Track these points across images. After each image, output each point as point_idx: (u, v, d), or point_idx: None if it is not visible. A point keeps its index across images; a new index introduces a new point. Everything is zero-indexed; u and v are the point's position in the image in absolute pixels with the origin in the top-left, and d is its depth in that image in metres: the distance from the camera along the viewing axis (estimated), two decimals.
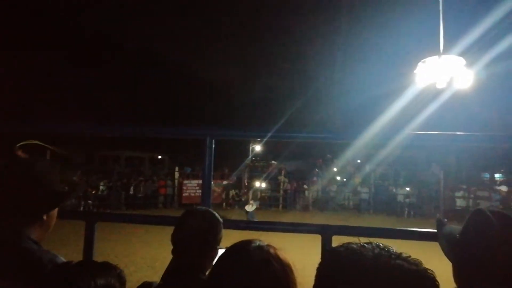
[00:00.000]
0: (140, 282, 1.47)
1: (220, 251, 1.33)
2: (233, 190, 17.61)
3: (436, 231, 1.46)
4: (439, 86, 5.48)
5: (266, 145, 23.17)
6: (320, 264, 0.77)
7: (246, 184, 14.93)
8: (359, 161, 20.11)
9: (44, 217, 1.28)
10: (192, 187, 17.50)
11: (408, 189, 17.08)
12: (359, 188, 18.20)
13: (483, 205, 14.21)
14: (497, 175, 17.40)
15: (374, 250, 0.70)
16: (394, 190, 17.66)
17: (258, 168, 21.97)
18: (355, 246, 0.73)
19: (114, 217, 2.50)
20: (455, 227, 1.25)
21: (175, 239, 1.47)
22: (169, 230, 1.52)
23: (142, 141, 17.56)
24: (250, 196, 12.06)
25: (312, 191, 18.61)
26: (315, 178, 19.22)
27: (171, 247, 1.47)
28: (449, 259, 1.14)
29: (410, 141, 1.82)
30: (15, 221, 1.21)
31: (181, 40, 17.16)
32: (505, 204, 13.61)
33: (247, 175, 17.99)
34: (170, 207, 17.03)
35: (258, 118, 19.71)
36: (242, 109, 20.88)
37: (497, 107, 13.02)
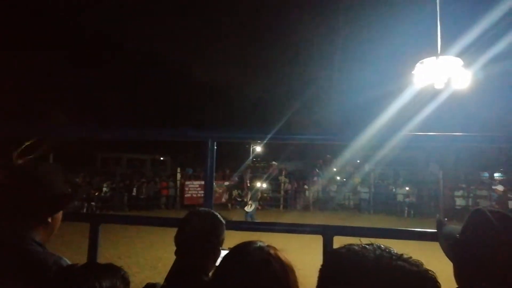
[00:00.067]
0: (143, 283, 1.48)
1: (223, 252, 1.34)
2: (235, 191, 17.62)
3: (436, 231, 1.47)
4: (437, 86, 5.49)
5: (266, 146, 23.19)
6: (322, 265, 0.78)
7: (248, 184, 14.93)
8: (358, 161, 20.13)
9: (49, 220, 1.29)
10: (194, 188, 17.49)
11: (407, 188, 17.08)
12: (359, 188, 18.21)
13: (483, 204, 14.21)
14: (496, 174, 17.39)
15: (375, 251, 0.71)
16: (393, 190, 17.66)
17: (259, 168, 21.98)
18: (356, 248, 0.74)
19: (118, 219, 2.51)
20: (455, 227, 1.25)
21: (178, 241, 1.49)
22: (172, 231, 1.53)
23: (144, 143, 17.56)
24: (249, 197, 12.08)
25: (312, 191, 18.61)
26: (315, 178, 19.23)
27: (174, 248, 1.49)
28: (450, 259, 1.15)
29: (408, 142, 1.83)
30: (19, 224, 1.21)
31: (182, 43, 17.18)
32: (501, 204, 13.61)
33: (249, 175, 17.99)
34: (172, 208, 17.02)
35: (258, 120, 19.73)
36: (242, 111, 20.91)
37: (495, 107, 13.03)
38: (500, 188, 14.58)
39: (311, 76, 18.08)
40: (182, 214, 1.60)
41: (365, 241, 0.77)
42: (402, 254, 0.71)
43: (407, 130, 1.82)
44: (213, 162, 1.92)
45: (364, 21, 15.03)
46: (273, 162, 20.65)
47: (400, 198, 17.08)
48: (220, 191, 17.40)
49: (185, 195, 17.31)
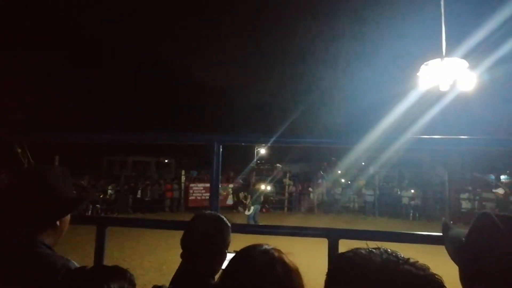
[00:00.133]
0: (148, 286, 1.49)
1: (229, 255, 1.35)
2: (242, 193, 17.63)
3: (442, 234, 1.47)
4: (442, 88, 5.47)
5: (271, 148, 23.14)
6: (330, 269, 0.79)
7: (253, 187, 14.93)
8: (363, 163, 20.05)
9: (57, 223, 1.30)
10: (198, 191, 17.52)
11: (412, 191, 16.97)
12: (363, 190, 18.11)
13: (489, 207, 14.06)
14: (502, 177, 17.22)
15: (382, 255, 0.72)
16: (398, 192, 17.56)
17: (263, 171, 21.96)
18: (363, 252, 0.74)
19: (125, 222, 2.53)
20: (461, 231, 1.25)
21: (184, 243, 1.50)
22: (176, 234, 1.54)
23: (148, 145, 17.65)
24: (249, 199, 12.10)
25: (317, 193, 18.54)
26: (320, 181, 19.17)
27: (178, 251, 1.50)
28: (455, 263, 1.15)
29: (413, 145, 1.83)
30: (29, 227, 1.23)
31: (187, 45, 17.28)
32: (501, 207, 13.38)
33: (254, 178, 17.99)
34: (176, 211, 17.04)
35: (263, 123, 19.75)
36: (248, 114, 20.95)
37: (501, 109, 12.93)
38: (500, 191, 14.39)
39: (316, 79, 18.08)
40: (186, 216, 1.61)
41: (370, 244, 0.78)
42: (409, 258, 0.72)
43: (412, 132, 1.82)
44: (218, 165, 1.93)
45: (369, 23, 15.02)
46: (278, 165, 20.60)
47: (405, 200, 16.96)
48: (224, 193, 17.40)
49: (190, 198, 17.32)
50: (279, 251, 1.05)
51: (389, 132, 1.88)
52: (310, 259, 3.15)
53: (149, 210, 16.38)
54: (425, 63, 5.57)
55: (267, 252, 1.02)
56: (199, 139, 2.11)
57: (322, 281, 0.79)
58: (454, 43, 6.08)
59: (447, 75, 5.38)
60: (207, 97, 21.47)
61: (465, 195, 15.90)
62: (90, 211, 14.30)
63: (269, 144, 1.98)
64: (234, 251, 1.14)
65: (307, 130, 18.06)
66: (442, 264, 1.25)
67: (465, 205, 15.73)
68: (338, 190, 18.64)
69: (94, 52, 17.47)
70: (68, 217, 1.36)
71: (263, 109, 20.98)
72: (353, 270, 0.72)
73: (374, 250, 0.74)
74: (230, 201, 17.52)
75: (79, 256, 1.51)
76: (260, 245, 1.06)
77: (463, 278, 1.11)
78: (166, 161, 24.25)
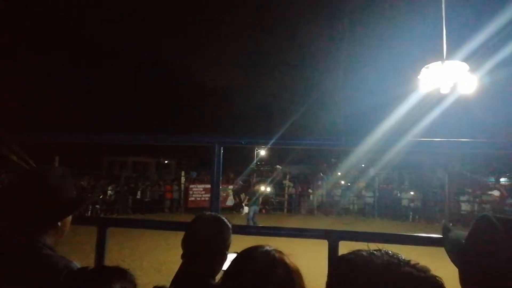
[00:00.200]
0: (148, 286, 1.50)
1: (230, 256, 1.35)
2: (243, 194, 17.63)
3: (441, 236, 1.47)
4: (443, 91, 5.48)
5: (270, 150, 23.16)
6: (331, 271, 0.79)
7: (253, 188, 14.92)
8: (363, 165, 20.05)
9: (59, 224, 1.31)
10: (198, 192, 17.50)
11: (412, 193, 16.97)
12: (363, 192, 18.10)
13: (489, 209, 14.04)
14: (502, 179, 17.21)
15: (383, 257, 0.72)
16: (398, 194, 17.56)
17: (263, 172, 21.95)
18: (364, 254, 0.75)
19: (126, 223, 2.54)
20: (461, 233, 1.25)
21: (185, 244, 1.50)
22: (175, 234, 1.54)
23: (149, 146, 17.66)
24: (245, 201, 12.09)
25: (316, 195, 18.54)
26: (319, 182, 19.17)
27: (178, 252, 1.50)
28: (455, 265, 1.15)
29: (414, 148, 1.84)
30: (31, 227, 1.23)
31: (188, 47, 17.31)
32: (497, 209, 13.36)
33: (255, 179, 17.98)
34: (176, 212, 17.03)
35: (264, 124, 19.77)
36: (248, 115, 20.97)
37: (501, 112, 12.94)
38: (496, 193, 14.37)
39: (316, 81, 18.10)
40: (186, 217, 1.62)
41: (371, 246, 0.78)
42: (409, 260, 0.72)
43: (413, 135, 1.83)
44: (219, 166, 1.94)
45: (369, 26, 15.04)
46: (277, 166, 20.61)
47: (405, 202, 16.96)
48: (224, 194, 17.40)
49: (189, 199, 17.31)
50: (280, 252, 1.05)
51: (389, 134, 1.88)
52: (310, 260, 3.14)
53: (149, 211, 16.36)
54: (426, 65, 5.57)
55: (268, 253, 1.03)
56: (200, 141, 2.12)
57: (322, 282, 0.80)
58: (454, 46, 6.08)
59: (448, 78, 5.38)
60: (207, 97, 21.50)
61: (465, 197, 15.89)
62: (89, 212, 14.29)
63: (269, 146, 1.98)
64: (235, 252, 1.15)
65: (307, 132, 18.08)
66: (442, 266, 1.25)
67: (465, 207, 15.71)
68: (338, 191, 18.62)
69: (94, 52, 17.51)
70: (70, 218, 1.36)
71: (264, 110, 21.02)
72: (354, 272, 0.72)
73: (375, 252, 0.75)
74: (229, 202, 17.49)
75: (79, 257, 1.52)
76: (262, 246, 1.06)
77: (463, 280, 1.11)
78: (166, 162, 24.26)
